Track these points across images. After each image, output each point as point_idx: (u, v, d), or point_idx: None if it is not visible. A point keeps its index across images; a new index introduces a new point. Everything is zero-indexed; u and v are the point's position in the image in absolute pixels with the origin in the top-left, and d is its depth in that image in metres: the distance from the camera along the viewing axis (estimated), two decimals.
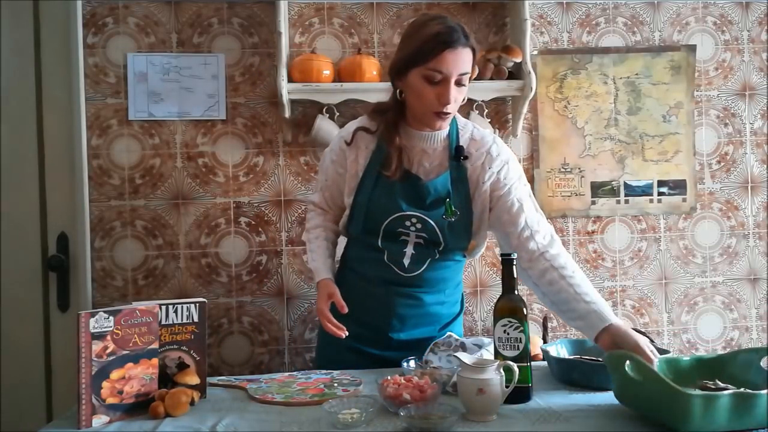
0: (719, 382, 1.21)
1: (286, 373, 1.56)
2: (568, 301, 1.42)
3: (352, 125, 1.67)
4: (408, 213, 1.55)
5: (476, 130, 1.66)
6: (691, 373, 1.30)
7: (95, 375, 1.24)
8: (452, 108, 1.52)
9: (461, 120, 1.66)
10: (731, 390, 1.12)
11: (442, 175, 1.58)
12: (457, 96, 1.51)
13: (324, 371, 1.55)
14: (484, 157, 1.60)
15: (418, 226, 1.56)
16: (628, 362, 1.18)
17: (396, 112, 1.60)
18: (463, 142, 1.61)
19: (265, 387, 1.44)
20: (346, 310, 1.53)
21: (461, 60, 1.47)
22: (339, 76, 2.20)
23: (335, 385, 1.42)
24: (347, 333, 1.52)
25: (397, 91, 1.58)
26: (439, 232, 1.56)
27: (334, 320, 1.53)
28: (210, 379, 1.51)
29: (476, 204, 1.59)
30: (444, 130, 1.60)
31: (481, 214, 1.60)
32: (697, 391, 1.15)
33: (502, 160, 1.61)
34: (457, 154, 1.58)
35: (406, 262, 1.59)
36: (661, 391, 1.11)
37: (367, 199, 1.58)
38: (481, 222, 1.61)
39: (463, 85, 1.51)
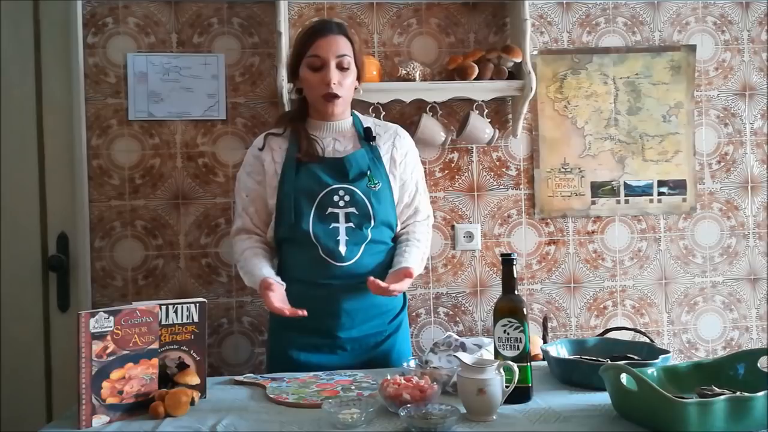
0: (715, 388, 1.20)
1: (311, 373, 1.54)
2: (394, 256, 1.71)
3: (257, 138, 1.78)
4: (335, 186, 1.64)
5: (377, 119, 1.87)
6: (690, 379, 1.29)
7: (95, 375, 1.24)
8: (341, 91, 1.66)
9: (361, 115, 1.82)
10: (727, 395, 1.12)
11: (359, 151, 1.70)
12: (341, 79, 1.66)
13: (348, 372, 1.54)
14: (393, 138, 1.77)
15: (347, 199, 1.64)
16: (623, 374, 1.18)
17: (300, 109, 1.77)
18: (368, 126, 1.77)
19: (284, 386, 1.44)
20: (300, 311, 1.51)
21: (335, 44, 1.65)
22: None
23: (353, 388, 1.40)
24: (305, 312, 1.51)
25: (296, 89, 1.77)
26: (367, 202, 1.64)
27: (289, 308, 1.53)
28: (235, 377, 1.53)
29: (394, 179, 1.73)
30: (347, 119, 1.75)
31: (399, 188, 1.74)
32: (694, 398, 1.14)
33: (408, 143, 1.80)
34: (366, 136, 1.73)
35: (342, 249, 1.62)
36: (657, 401, 1.11)
37: (293, 187, 1.65)
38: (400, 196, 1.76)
39: (346, 68, 1.67)
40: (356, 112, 1.80)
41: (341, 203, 1.63)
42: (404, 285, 1.60)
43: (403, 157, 1.75)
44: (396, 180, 1.73)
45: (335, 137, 1.73)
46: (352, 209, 1.63)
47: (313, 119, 1.74)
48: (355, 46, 1.70)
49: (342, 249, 1.62)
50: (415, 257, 1.70)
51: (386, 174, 1.71)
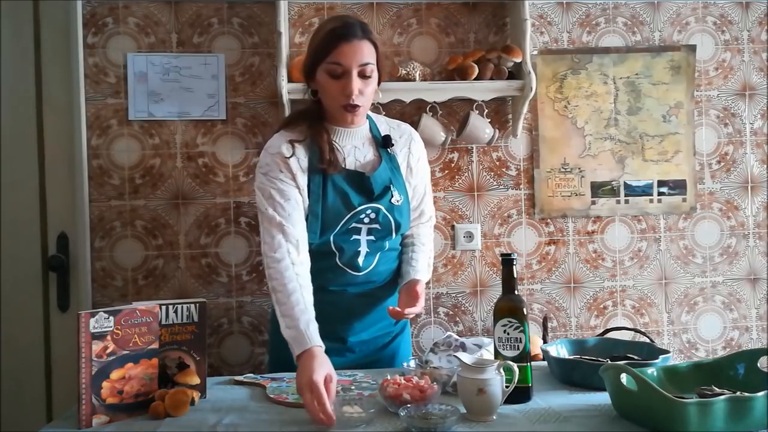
0: (715, 388, 1.21)
1: None
2: (402, 262, 1.72)
3: (276, 142, 1.60)
4: (362, 207, 1.59)
5: (388, 119, 1.78)
6: (690, 379, 1.30)
7: (95, 375, 1.24)
8: (361, 101, 1.56)
9: (373, 115, 1.74)
10: (727, 395, 1.12)
11: (381, 167, 1.64)
12: (363, 88, 1.55)
13: (348, 372, 1.54)
14: (408, 144, 1.72)
15: (372, 216, 1.60)
16: (623, 374, 1.18)
17: (316, 113, 1.64)
18: (384, 131, 1.70)
19: (284, 386, 1.44)
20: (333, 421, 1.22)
21: (359, 51, 1.52)
22: None
23: (353, 388, 1.40)
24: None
25: (311, 91, 1.64)
26: (391, 219, 1.62)
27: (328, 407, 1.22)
28: (235, 377, 1.52)
29: (410, 185, 1.71)
30: (365, 125, 1.67)
31: (412, 193, 1.72)
32: (694, 398, 1.14)
33: (421, 147, 1.75)
34: (385, 144, 1.67)
35: (361, 260, 1.61)
36: (657, 401, 1.11)
37: (322, 205, 1.57)
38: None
39: (368, 77, 1.56)
40: (370, 113, 1.74)
41: (366, 220, 1.60)
42: (421, 303, 1.59)
43: (416, 163, 1.72)
44: (411, 186, 1.71)
45: (355, 145, 1.65)
46: (375, 225, 1.61)
47: (331, 124, 1.63)
48: (378, 49, 1.60)
49: (360, 260, 1.61)
50: (422, 264, 1.69)
51: (404, 183, 1.68)
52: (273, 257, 1.49)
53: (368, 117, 1.71)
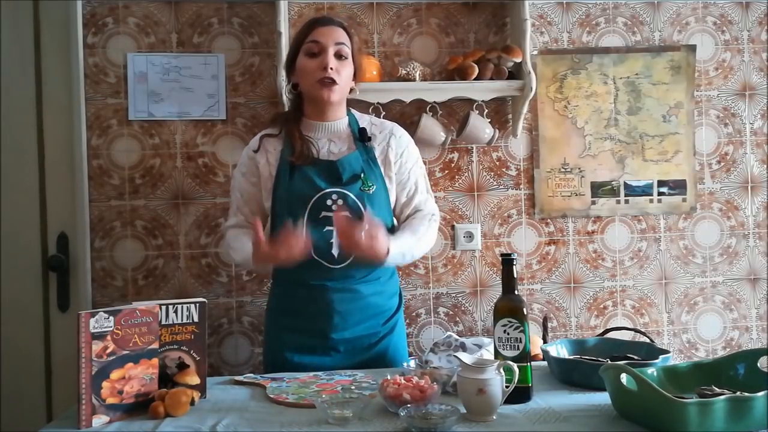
0: (715, 388, 1.20)
1: (311, 373, 1.54)
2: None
3: (253, 139, 1.76)
4: (328, 191, 1.61)
5: (375, 118, 1.82)
6: (690, 379, 1.29)
7: (95, 375, 1.24)
8: (337, 78, 1.62)
9: (358, 113, 1.79)
10: (727, 395, 1.12)
11: (352, 153, 1.67)
12: (339, 68, 1.64)
13: (348, 372, 1.54)
14: (388, 138, 1.73)
15: (339, 202, 1.62)
16: (623, 374, 1.18)
17: (295, 109, 1.75)
18: (364, 125, 1.73)
19: (284, 386, 1.44)
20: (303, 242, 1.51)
21: (333, 32, 1.66)
22: None
23: (353, 388, 1.40)
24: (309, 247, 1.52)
25: (292, 84, 1.73)
26: (360, 205, 1.61)
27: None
28: (235, 377, 1.53)
29: (390, 180, 1.71)
30: (342, 119, 1.71)
31: (396, 188, 1.72)
32: (694, 398, 1.14)
33: (404, 142, 1.75)
34: (361, 136, 1.70)
35: (335, 252, 1.61)
36: (657, 401, 1.11)
37: (287, 190, 1.63)
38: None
39: (344, 58, 1.66)
40: (353, 111, 1.78)
41: (334, 207, 1.61)
42: (378, 240, 1.53)
43: (398, 157, 1.72)
44: (392, 181, 1.71)
45: (330, 138, 1.70)
46: (345, 213, 1.60)
47: (309, 119, 1.70)
48: (354, 42, 1.69)
49: (335, 252, 1.61)
50: (398, 238, 1.63)
51: (381, 176, 1.68)
52: (226, 229, 1.77)
53: (350, 113, 1.74)
